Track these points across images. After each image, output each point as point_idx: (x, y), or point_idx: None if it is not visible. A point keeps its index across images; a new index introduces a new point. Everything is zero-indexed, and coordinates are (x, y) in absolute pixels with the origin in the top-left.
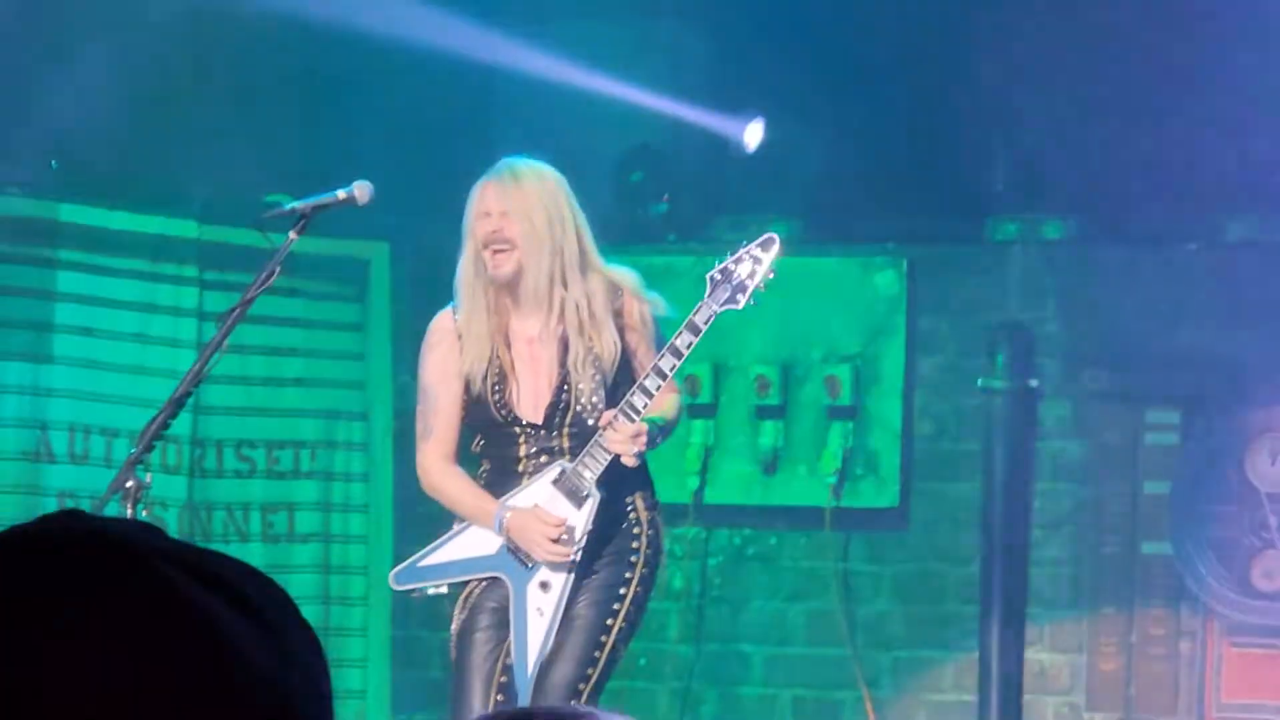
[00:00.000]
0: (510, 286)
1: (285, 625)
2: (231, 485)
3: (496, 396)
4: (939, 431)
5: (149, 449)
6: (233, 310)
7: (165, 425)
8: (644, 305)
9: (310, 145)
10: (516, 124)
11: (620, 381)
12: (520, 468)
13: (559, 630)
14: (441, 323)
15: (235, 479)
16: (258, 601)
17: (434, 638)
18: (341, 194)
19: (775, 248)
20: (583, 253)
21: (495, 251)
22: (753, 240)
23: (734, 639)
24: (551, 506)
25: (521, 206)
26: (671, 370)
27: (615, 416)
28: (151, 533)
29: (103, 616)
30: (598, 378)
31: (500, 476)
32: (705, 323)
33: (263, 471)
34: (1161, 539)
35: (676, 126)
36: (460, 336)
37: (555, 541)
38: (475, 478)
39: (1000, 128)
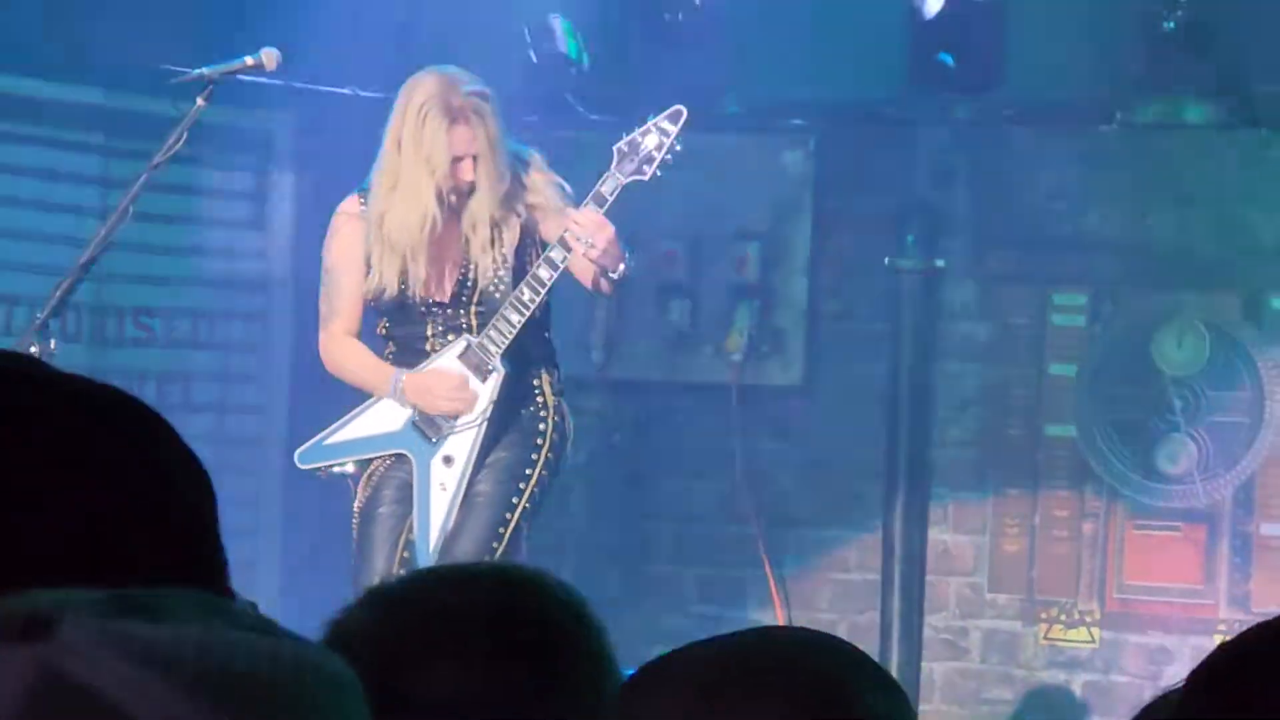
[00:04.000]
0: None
1: (160, 449)
2: (130, 353)
3: (403, 274)
4: (845, 311)
5: (54, 315)
6: (139, 177)
7: (70, 292)
8: (550, 180)
9: (218, 11)
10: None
11: (527, 255)
12: (427, 346)
13: (462, 508)
14: (347, 207)
15: (134, 347)
16: (132, 425)
17: (328, 509)
18: (249, 60)
19: (682, 119)
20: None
21: (459, 191)
22: (660, 113)
23: (637, 516)
24: (461, 375)
25: (488, 148)
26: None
27: (576, 213)
28: (30, 362)
29: None
30: (502, 253)
31: (407, 355)
32: (612, 194)
33: (161, 340)
34: (1066, 421)
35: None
36: (366, 222)
37: (456, 394)
38: (381, 359)
39: (907, 4)
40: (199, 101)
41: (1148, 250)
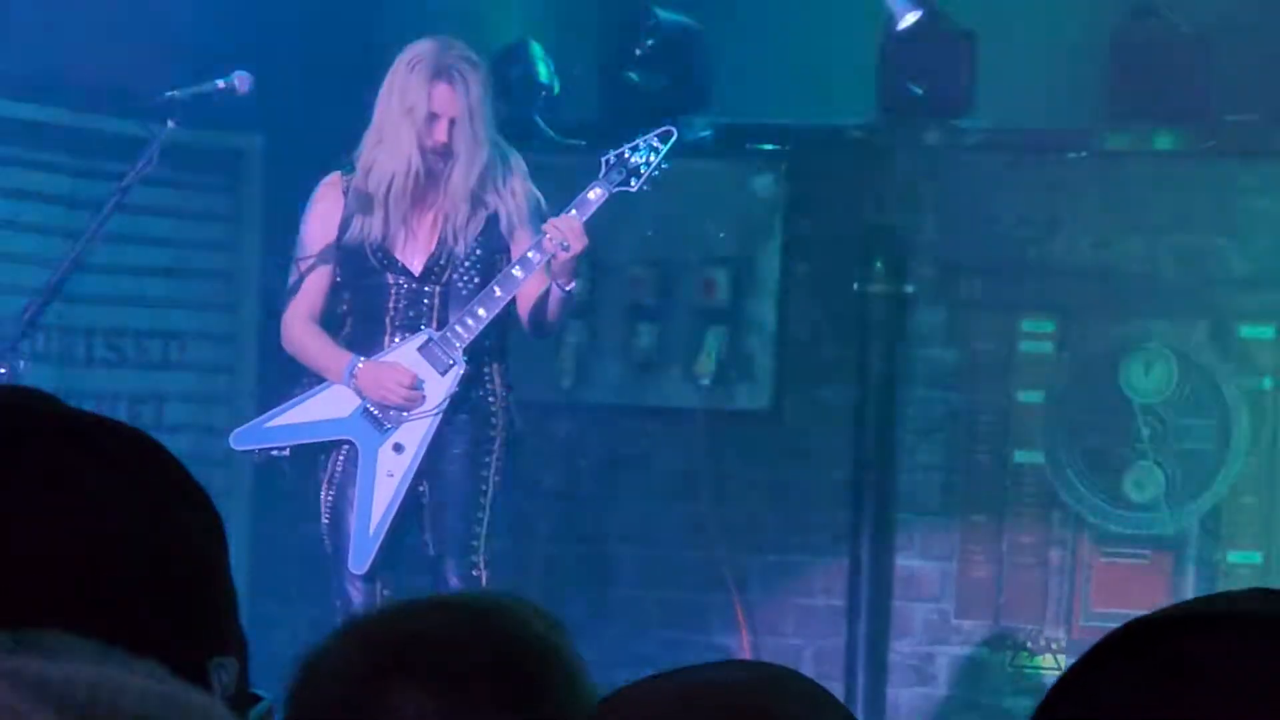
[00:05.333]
0: (435, 163)
1: (172, 498)
2: (100, 375)
3: (376, 242)
4: (814, 335)
5: (23, 336)
6: (109, 198)
7: (39, 312)
8: (529, 190)
9: (190, 34)
10: (396, 15)
11: (495, 256)
12: (388, 319)
13: (438, 491)
14: (328, 180)
15: (104, 368)
16: (145, 473)
17: (292, 531)
18: (221, 83)
19: (672, 139)
20: (488, 128)
21: (436, 153)
22: (651, 131)
23: (604, 539)
24: (414, 371)
25: (467, 113)
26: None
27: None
28: (40, 399)
29: None
30: (477, 237)
31: (365, 327)
32: (597, 201)
33: (131, 362)
34: (1034, 448)
35: (561, 20)
36: (346, 192)
37: (407, 390)
38: (339, 337)
39: (881, 30)
40: (169, 123)
41: (1116, 278)
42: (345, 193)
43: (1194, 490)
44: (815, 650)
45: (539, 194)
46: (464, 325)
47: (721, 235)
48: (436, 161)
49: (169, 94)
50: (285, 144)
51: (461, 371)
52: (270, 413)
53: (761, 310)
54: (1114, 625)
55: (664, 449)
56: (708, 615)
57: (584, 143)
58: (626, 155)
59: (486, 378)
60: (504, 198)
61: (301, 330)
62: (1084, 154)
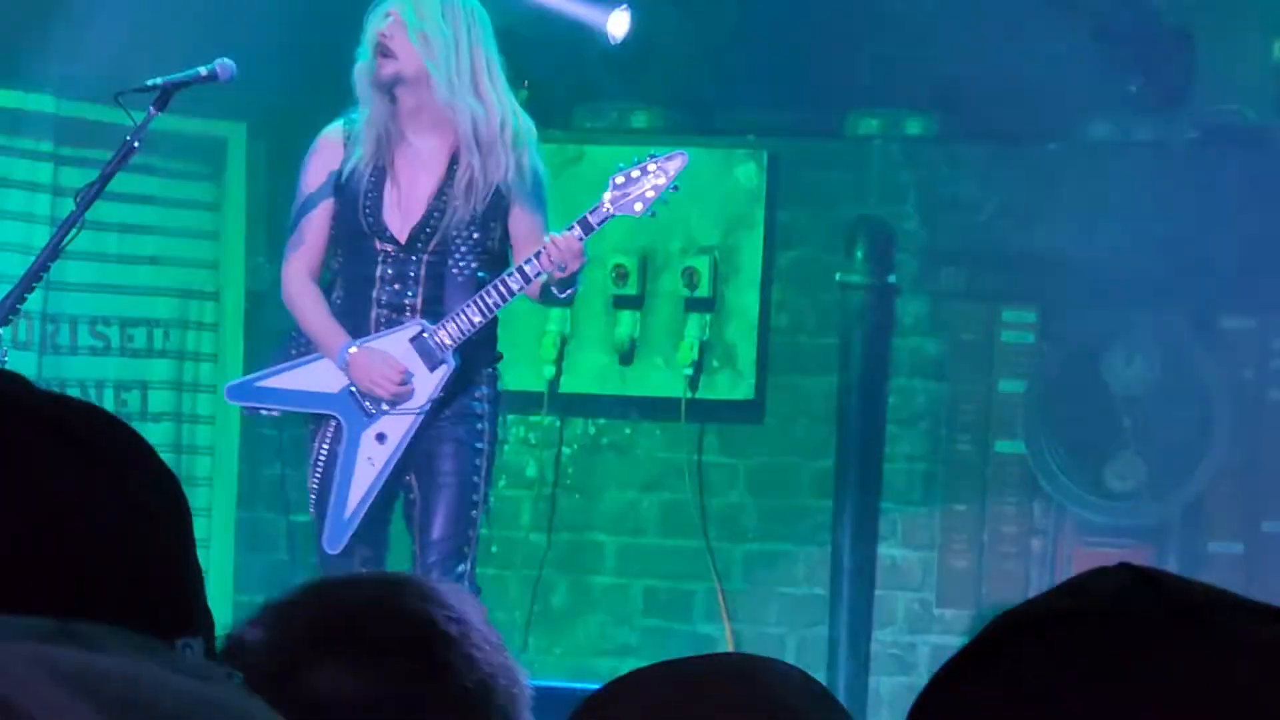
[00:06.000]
0: (399, 94)
1: (134, 476)
2: (84, 362)
3: (369, 200)
4: (796, 325)
5: (3, 323)
6: (91, 185)
7: (21, 300)
8: (532, 161)
9: (172, 21)
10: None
11: (492, 225)
12: (374, 292)
13: (428, 494)
14: (330, 132)
15: (88, 356)
16: (107, 451)
17: (279, 520)
18: (203, 71)
19: (683, 167)
20: (476, 72)
21: (381, 55)
22: (663, 154)
23: (587, 528)
24: (405, 364)
25: (414, 18)
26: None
27: (557, 235)
28: (7, 380)
29: None
30: (474, 206)
31: (352, 303)
32: (599, 224)
33: (116, 349)
34: (1015, 437)
35: (537, 12)
36: (346, 143)
37: (396, 385)
38: (328, 302)
39: (863, 21)
40: (151, 111)
41: (1097, 268)
42: (346, 142)
43: (1175, 480)
44: (798, 639)
45: (542, 167)
46: (456, 325)
47: (704, 225)
48: (380, 65)
49: (152, 82)
50: (268, 132)
51: (450, 370)
52: (264, 371)
53: (744, 300)
54: None
55: (645, 438)
56: (690, 604)
57: (564, 132)
58: (635, 177)
59: (475, 383)
60: (504, 158)
61: (301, 290)
62: (1065, 144)
